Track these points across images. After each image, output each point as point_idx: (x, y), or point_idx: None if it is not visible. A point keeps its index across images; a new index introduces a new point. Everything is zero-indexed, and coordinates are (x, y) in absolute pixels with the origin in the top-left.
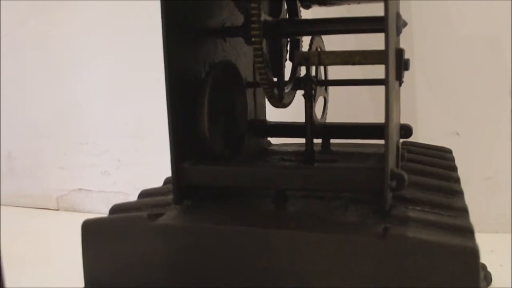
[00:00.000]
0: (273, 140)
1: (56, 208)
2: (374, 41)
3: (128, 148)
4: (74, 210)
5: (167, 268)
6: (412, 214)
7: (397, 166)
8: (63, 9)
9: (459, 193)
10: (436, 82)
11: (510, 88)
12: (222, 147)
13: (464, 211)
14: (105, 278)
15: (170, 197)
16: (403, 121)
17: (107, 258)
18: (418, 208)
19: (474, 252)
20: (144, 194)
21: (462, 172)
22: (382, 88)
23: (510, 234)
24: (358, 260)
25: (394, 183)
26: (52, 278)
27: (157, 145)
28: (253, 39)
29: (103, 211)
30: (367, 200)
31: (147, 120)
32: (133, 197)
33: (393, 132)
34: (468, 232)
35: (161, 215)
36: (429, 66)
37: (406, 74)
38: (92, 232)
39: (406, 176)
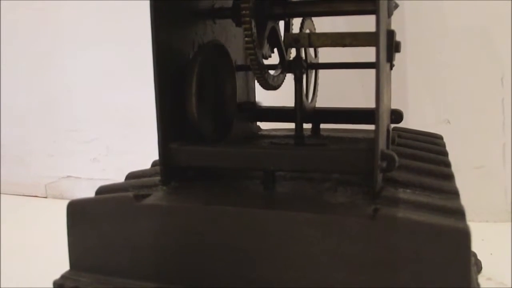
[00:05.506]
0: (263, 126)
1: (45, 196)
2: (365, 24)
3: (117, 135)
4: (62, 198)
5: (154, 248)
6: (402, 195)
7: (387, 149)
8: None
9: (450, 177)
10: (427, 70)
11: (501, 77)
12: (210, 129)
13: (455, 193)
14: (91, 259)
15: (157, 178)
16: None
17: (92, 239)
18: (408, 190)
19: (465, 233)
20: (131, 176)
21: (453, 161)
22: (373, 74)
23: (500, 224)
24: (348, 240)
25: (384, 164)
26: (40, 265)
27: (147, 132)
28: (243, 20)
29: None
30: (357, 182)
31: (136, 107)
32: None
33: (384, 114)
34: (459, 213)
35: (147, 195)
36: (420, 54)
37: (398, 63)
38: (78, 213)
39: (396, 157)
